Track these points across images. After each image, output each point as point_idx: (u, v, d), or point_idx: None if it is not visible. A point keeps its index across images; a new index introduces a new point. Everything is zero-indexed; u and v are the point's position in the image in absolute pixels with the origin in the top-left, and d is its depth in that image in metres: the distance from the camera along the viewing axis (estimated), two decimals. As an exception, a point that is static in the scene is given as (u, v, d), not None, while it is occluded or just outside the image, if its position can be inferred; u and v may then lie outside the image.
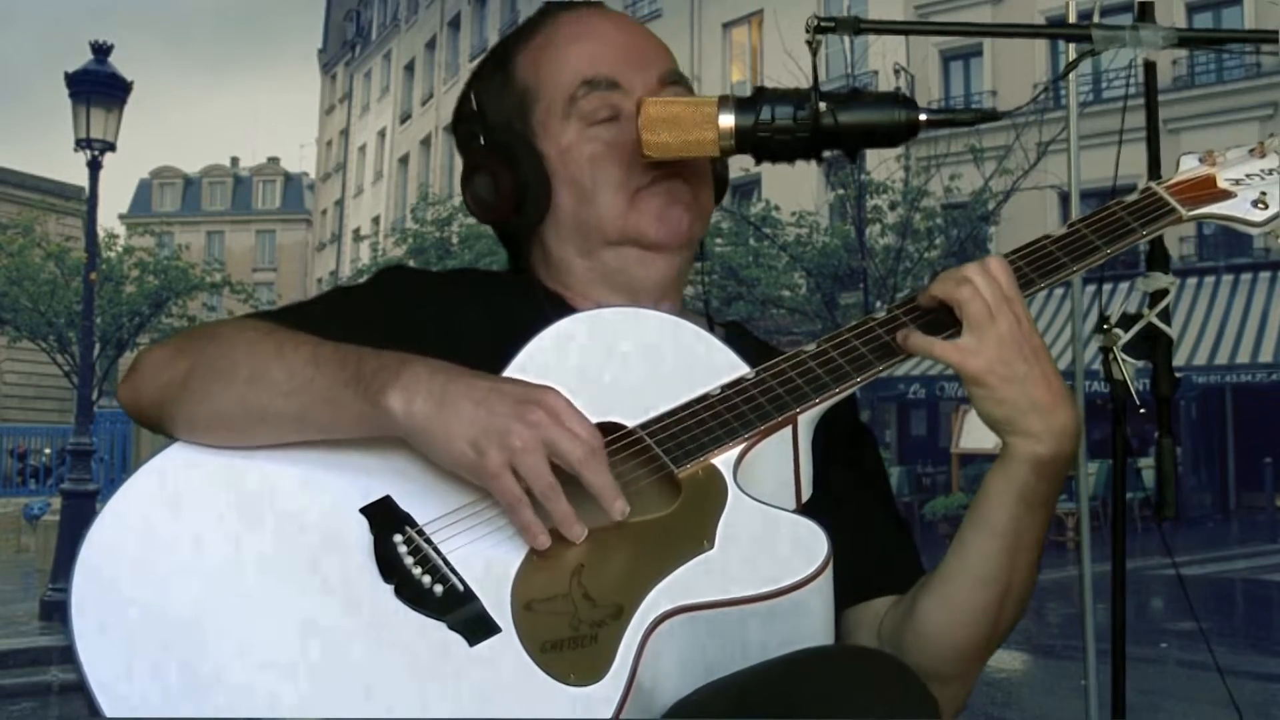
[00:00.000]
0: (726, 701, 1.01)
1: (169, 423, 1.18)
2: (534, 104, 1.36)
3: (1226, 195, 1.30)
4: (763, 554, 1.06)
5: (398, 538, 1.08)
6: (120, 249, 23.50)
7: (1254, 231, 1.29)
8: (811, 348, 1.22)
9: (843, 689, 0.96)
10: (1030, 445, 1.14)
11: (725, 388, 1.18)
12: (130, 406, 1.23)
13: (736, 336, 1.38)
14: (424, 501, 1.11)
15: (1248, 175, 1.31)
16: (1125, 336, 1.66)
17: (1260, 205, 1.28)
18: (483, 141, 1.38)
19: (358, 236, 39.09)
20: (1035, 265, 1.23)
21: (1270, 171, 1.31)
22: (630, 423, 1.16)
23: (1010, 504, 1.16)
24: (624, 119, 1.33)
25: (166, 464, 1.15)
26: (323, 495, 1.12)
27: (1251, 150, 1.34)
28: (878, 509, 1.36)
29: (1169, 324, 1.80)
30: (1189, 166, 1.33)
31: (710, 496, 1.11)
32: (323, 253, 48.39)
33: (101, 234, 16.58)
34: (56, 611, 9.22)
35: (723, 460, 1.13)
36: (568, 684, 0.99)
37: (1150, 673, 7.19)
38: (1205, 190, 1.30)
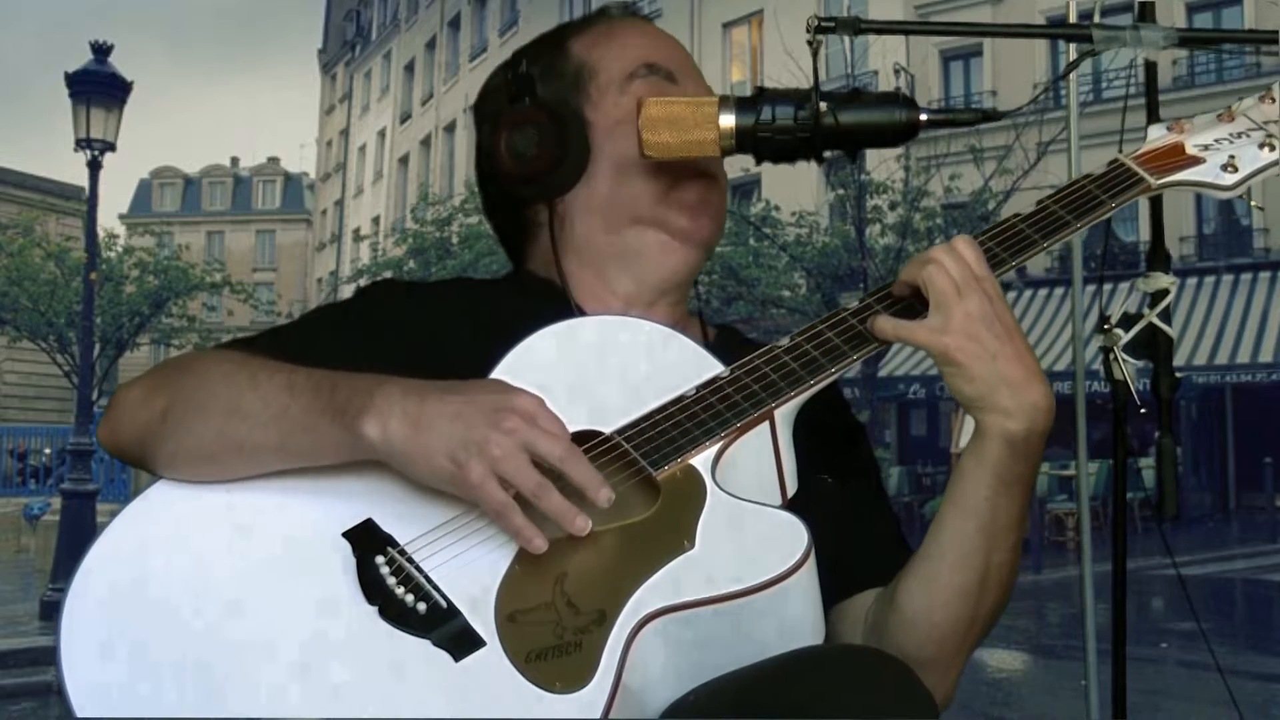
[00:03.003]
0: (725, 702, 1.01)
1: (150, 460, 1.18)
2: (590, 79, 1.39)
3: (1195, 161, 1.28)
4: (743, 550, 1.06)
5: (380, 559, 1.08)
6: (120, 249, 23.50)
7: (1224, 195, 1.27)
8: (785, 342, 1.21)
9: (842, 688, 0.96)
10: (1002, 422, 1.14)
11: (700, 388, 1.18)
12: (110, 446, 1.23)
13: (727, 340, 1.39)
14: (405, 521, 1.11)
15: (1216, 140, 1.29)
16: (1126, 337, 1.66)
17: (1229, 169, 1.27)
18: (527, 102, 1.38)
19: (358, 236, 39.08)
20: (1005, 244, 1.23)
21: (1239, 135, 1.30)
22: (607, 429, 1.16)
23: (985, 484, 1.15)
24: None
25: (152, 500, 1.16)
26: (306, 522, 1.12)
27: (1220, 115, 1.33)
28: (868, 503, 1.36)
29: (1169, 324, 1.80)
30: (1157, 135, 1.31)
31: (689, 497, 1.11)
32: (323, 253, 48.39)
33: (101, 234, 16.59)
34: (56, 611, 9.18)
35: (700, 460, 1.13)
36: (553, 692, 0.99)
37: (1150, 673, 7.19)
38: (1174, 158, 1.28)
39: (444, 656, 1.02)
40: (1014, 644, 8.36)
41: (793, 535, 1.06)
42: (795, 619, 1.07)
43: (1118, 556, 2.11)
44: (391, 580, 1.07)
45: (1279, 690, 7.23)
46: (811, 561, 1.05)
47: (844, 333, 1.20)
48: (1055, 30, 1.42)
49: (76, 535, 9.69)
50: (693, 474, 1.12)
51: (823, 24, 1.22)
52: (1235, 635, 9.40)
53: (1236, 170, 1.27)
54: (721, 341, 1.32)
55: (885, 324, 1.18)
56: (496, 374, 1.19)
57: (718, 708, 1.01)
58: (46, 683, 7.47)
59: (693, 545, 1.06)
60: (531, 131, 1.35)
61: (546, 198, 1.38)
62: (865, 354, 1.20)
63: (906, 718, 0.95)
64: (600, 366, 1.21)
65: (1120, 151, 1.30)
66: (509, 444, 1.04)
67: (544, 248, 1.40)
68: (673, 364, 1.21)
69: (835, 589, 1.25)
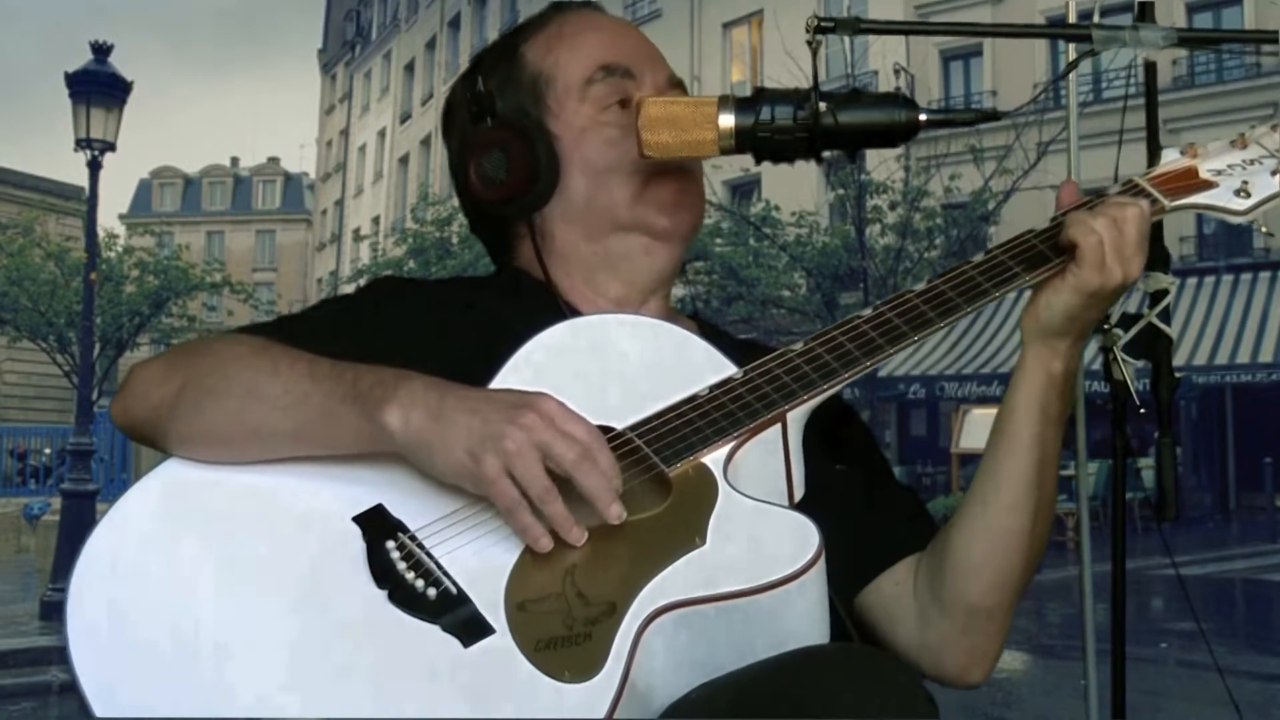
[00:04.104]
0: (725, 700, 1.01)
1: (162, 439, 1.18)
2: (548, 88, 1.38)
3: (1208, 185, 1.29)
4: (754, 549, 1.06)
5: (390, 544, 1.09)
6: (120, 249, 23.51)
7: (1236, 220, 1.29)
8: (799, 346, 1.22)
9: (843, 688, 0.96)
10: (1049, 358, 1.22)
11: (713, 388, 1.19)
12: (122, 423, 1.23)
13: (711, 335, 1.39)
14: (416, 508, 1.11)
15: (1229, 166, 1.31)
16: (1125, 337, 1.66)
17: (1242, 194, 1.28)
18: (489, 123, 1.38)
19: (358, 236, 39.13)
20: (1020, 259, 1.24)
21: (1251, 161, 1.31)
22: (619, 425, 1.16)
23: (1035, 420, 1.22)
24: (633, 108, 1.34)
25: (163, 477, 1.16)
26: (317, 505, 1.12)
27: (1232, 142, 1.34)
28: (881, 478, 1.39)
29: (1169, 324, 1.80)
30: (1170, 159, 1.33)
31: (701, 494, 1.11)
32: (323, 253, 48.39)
33: (101, 234, 16.58)
34: (56, 611, 9.17)
35: (713, 459, 1.14)
36: (563, 681, 0.99)
37: (1150, 673, 7.19)
38: (1187, 181, 1.30)
39: (453, 642, 1.02)
40: (1014, 644, 8.35)
41: (804, 536, 1.06)
42: (803, 619, 1.07)
43: (1116, 557, 2.11)
44: (402, 565, 1.07)
45: (1279, 690, 7.23)
46: (821, 563, 1.06)
47: (857, 339, 1.21)
48: (1055, 30, 1.42)
49: (76, 535, 9.65)
50: (705, 472, 1.13)
51: (822, 24, 1.22)
52: (1235, 635, 9.40)
53: (1249, 196, 1.28)
54: (715, 343, 1.33)
55: (1079, 217, 1.20)
56: (509, 367, 1.20)
57: (717, 707, 1.01)
58: (46, 683, 7.48)
59: (704, 542, 1.07)
60: (498, 155, 1.35)
61: (524, 216, 1.38)
62: (878, 361, 1.21)
63: (907, 717, 0.95)
64: (614, 364, 1.21)
65: (1119, 151, 1.31)
66: (523, 441, 1.04)
67: (531, 256, 1.41)
68: (686, 364, 1.22)
69: (874, 561, 1.30)
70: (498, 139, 1.36)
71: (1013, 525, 1.23)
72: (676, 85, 1.40)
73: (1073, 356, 1.24)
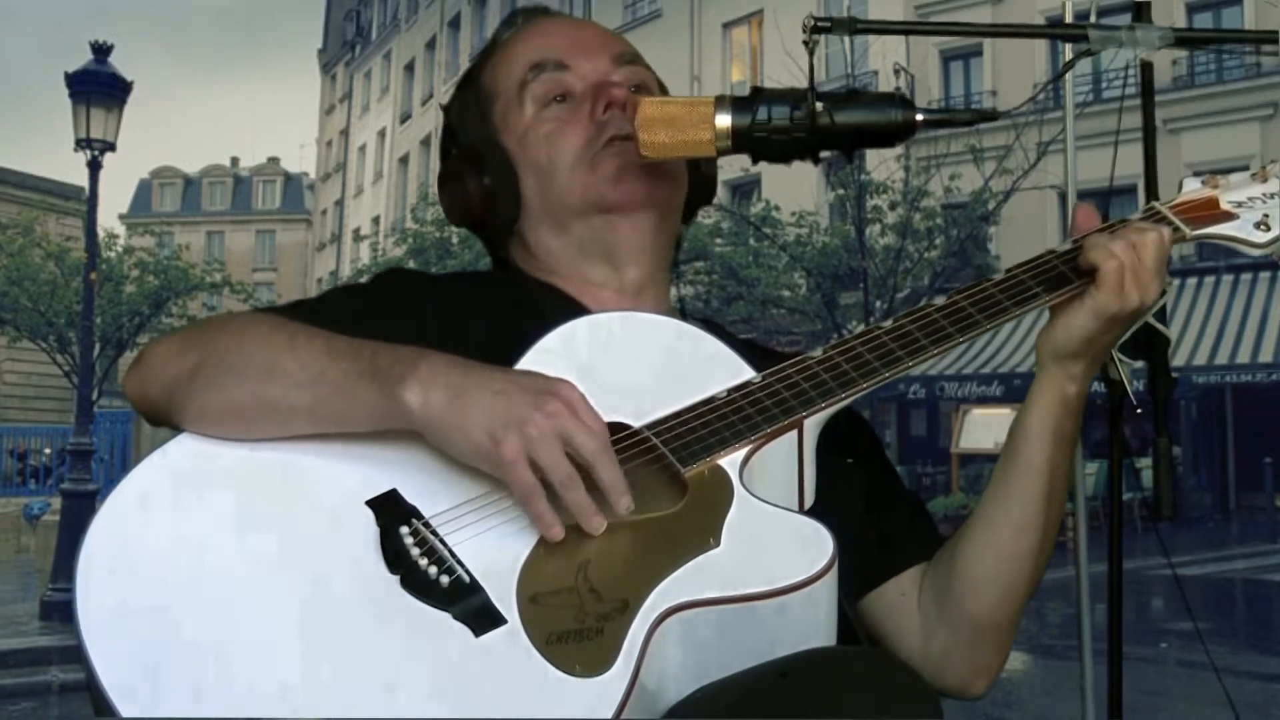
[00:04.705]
0: (728, 702, 1.01)
1: (177, 413, 1.17)
2: (493, 104, 1.41)
3: (1229, 217, 1.32)
4: (768, 552, 1.07)
5: (404, 529, 1.08)
6: (120, 249, 23.49)
7: (1256, 253, 1.32)
8: (818, 354, 1.23)
9: (846, 690, 0.97)
10: (1064, 381, 1.25)
11: (732, 391, 1.19)
12: (136, 397, 1.22)
13: (717, 335, 1.40)
14: (431, 495, 1.11)
15: (1250, 198, 1.33)
16: (1122, 337, 1.65)
17: (1262, 227, 1.31)
18: (453, 152, 1.44)
19: (358, 236, 39.10)
20: (1042, 279, 1.25)
21: (1272, 195, 1.33)
22: (635, 424, 1.16)
23: (1048, 442, 1.24)
24: (575, 98, 1.37)
25: (172, 455, 1.15)
26: (329, 488, 1.12)
27: (1254, 175, 1.36)
28: (888, 484, 1.40)
29: (1166, 324, 1.80)
30: (1192, 188, 1.34)
31: (716, 496, 1.11)
32: (323, 253, 48.38)
33: (101, 234, 16.56)
34: (56, 611, 9.22)
35: (729, 461, 1.14)
36: (574, 674, 0.99)
37: (1150, 673, 7.20)
38: (1208, 211, 1.32)
39: (464, 631, 1.02)
40: (1014, 644, 8.33)
41: (818, 542, 1.07)
42: (813, 624, 1.07)
43: (1113, 557, 2.11)
44: (415, 551, 1.06)
45: (1279, 690, 7.23)
46: (834, 570, 1.06)
47: (876, 350, 1.22)
48: (1053, 30, 1.42)
49: (76, 535, 9.57)
50: (720, 474, 1.13)
51: (818, 24, 1.22)
52: (1235, 635, 9.41)
53: (1269, 229, 1.31)
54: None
55: (1099, 240, 1.22)
56: (528, 357, 1.19)
57: (721, 707, 1.01)
58: (46, 683, 7.48)
59: (717, 544, 1.07)
60: (458, 186, 1.40)
61: (503, 235, 1.42)
62: (897, 373, 1.22)
63: (910, 718, 0.95)
64: (631, 362, 1.21)
65: (1115, 151, 1.31)
66: (547, 427, 1.04)
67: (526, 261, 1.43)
68: (704, 365, 1.22)
69: (880, 569, 1.31)
70: (458, 170, 1.40)
71: (1021, 544, 1.25)
72: (629, 63, 1.41)
73: (1086, 379, 1.26)
